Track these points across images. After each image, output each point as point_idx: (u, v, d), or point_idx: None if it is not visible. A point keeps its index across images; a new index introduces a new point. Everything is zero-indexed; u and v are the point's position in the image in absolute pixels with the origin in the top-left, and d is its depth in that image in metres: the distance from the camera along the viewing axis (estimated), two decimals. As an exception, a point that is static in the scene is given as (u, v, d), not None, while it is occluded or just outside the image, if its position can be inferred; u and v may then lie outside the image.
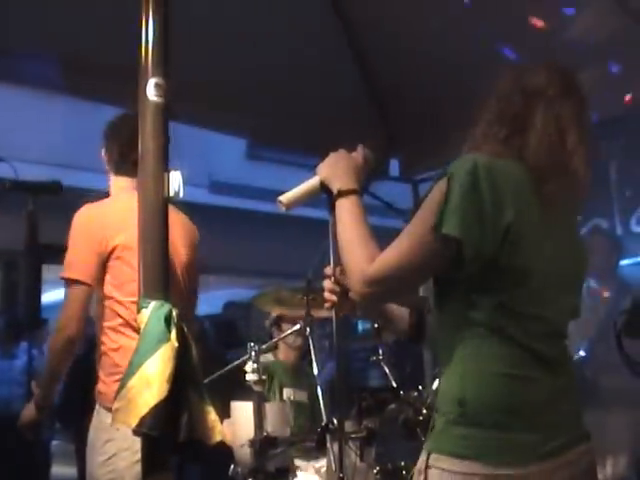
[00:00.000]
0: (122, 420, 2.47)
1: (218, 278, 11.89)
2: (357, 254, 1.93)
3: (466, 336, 1.87)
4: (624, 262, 5.38)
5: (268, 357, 4.48)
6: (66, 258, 3.12)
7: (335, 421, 2.95)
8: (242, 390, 3.33)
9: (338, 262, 2.11)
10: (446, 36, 4.78)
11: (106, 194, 3.36)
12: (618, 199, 5.60)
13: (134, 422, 2.42)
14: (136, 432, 2.46)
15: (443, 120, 4.82)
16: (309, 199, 2.20)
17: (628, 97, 4.53)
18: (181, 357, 2.47)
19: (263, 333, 4.69)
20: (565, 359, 1.98)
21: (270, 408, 3.29)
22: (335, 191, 2.09)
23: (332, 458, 2.90)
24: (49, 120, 8.83)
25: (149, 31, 3.36)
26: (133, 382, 2.44)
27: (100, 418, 3.05)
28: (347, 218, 2.02)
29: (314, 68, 5.05)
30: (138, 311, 2.53)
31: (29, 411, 3.19)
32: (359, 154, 2.20)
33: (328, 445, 2.96)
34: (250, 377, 3.22)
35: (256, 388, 3.21)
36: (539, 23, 4.38)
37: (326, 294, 2.24)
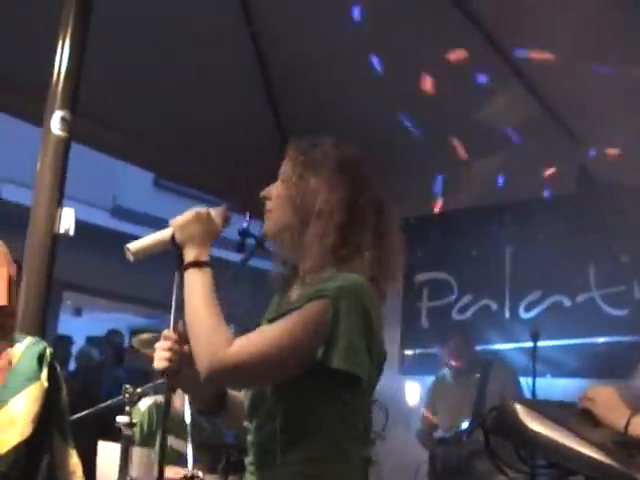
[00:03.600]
0: None
1: (111, 303, 11.68)
2: (214, 337, 1.84)
3: None
4: (509, 346, 5.47)
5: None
6: None
7: (200, 473, 2.95)
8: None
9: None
10: (362, 98, 4.86)
11: None
12: (510, 284, 5.59)
13: (-7, 459, 2.35)
14: (-6, 470, 2.39)
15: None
16: (158, 250, 2.05)
17: (526, 183, 4.64)
18: (50, 398, 2.43)
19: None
20: None
21: (136, 453, 3.26)
22: (190, 259, 1.97)
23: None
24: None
25: (63, 59, 3.33)
26: (-3, 417, 2.38)
27: None
28: (201, 295, 1.93)
29: (226, 105, 5.04)
30: (12, 345, 2.48)
31: None
32: (219, 214, 2.06)
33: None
34: (120, 419, 3.18)
35: (125, 431, 3.17)
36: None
37: (164, 354, 1.95)
